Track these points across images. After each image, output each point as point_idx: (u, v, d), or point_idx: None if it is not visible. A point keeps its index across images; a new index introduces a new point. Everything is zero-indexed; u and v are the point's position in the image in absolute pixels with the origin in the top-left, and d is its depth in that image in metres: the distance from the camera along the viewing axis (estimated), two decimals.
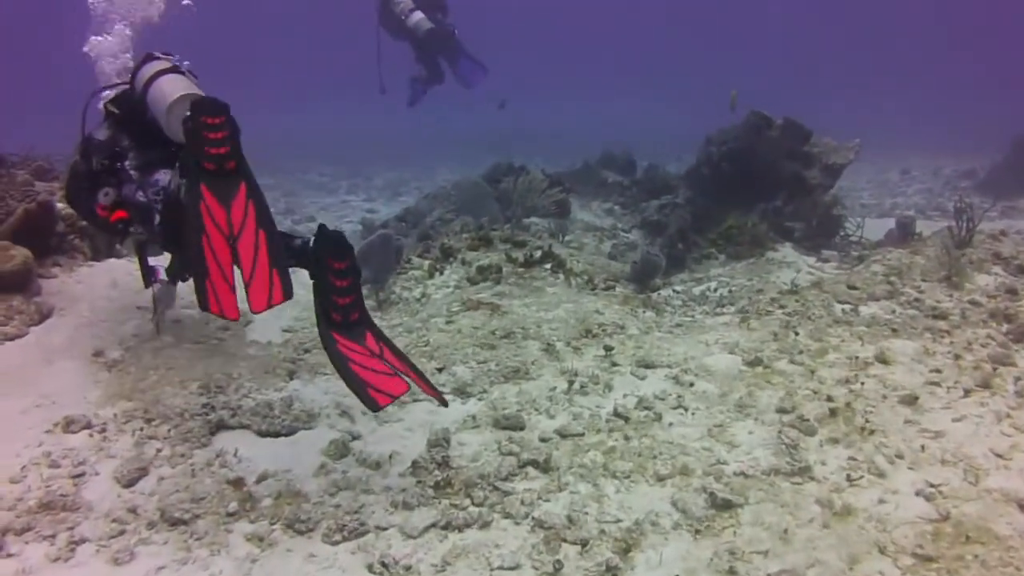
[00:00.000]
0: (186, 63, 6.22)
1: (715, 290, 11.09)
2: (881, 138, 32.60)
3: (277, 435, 6.23)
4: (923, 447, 6.12)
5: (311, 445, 6.05)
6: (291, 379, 7.18)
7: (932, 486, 5.78)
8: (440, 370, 7.34)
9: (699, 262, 13.32)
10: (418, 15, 15.71)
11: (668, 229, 14.37)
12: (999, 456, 6.05)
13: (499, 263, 10.35)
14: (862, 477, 5.90)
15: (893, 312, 9.15)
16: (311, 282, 5.28)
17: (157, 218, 5.81)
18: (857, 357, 7.61)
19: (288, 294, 4.89)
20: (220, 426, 6.19)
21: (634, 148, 20.83)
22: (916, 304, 9.30)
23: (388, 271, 10.90)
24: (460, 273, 10.40)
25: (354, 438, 6.23)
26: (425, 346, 7.82)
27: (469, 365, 7.44)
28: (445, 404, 5.74)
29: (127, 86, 6.30)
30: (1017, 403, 6.76)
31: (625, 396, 6.90)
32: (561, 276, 10.27)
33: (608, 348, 7.63)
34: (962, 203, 11.15)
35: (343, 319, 5.23)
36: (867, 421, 6.44)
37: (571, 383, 7.04)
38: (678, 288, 11.50)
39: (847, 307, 9.30)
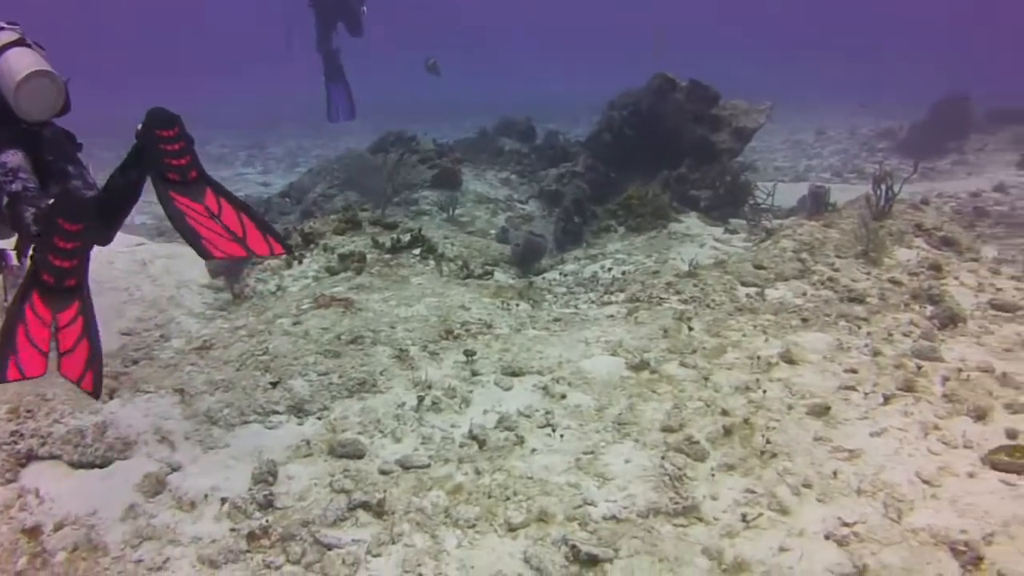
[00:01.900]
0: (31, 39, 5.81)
1: (608, 270, 10.07)
2: (796, 97, 32.05)
3: (92, 466, 5.56)
4: (835, 472, 5.12)
5: (124, 479, 5.37)
6: (111, 398, 6.26)
7: (846, 525, 4.76)
8: (274, 384, 6.56)
9: (597, 235, 12.32)
10: None
11: (564, 200, 13.15)
12: (926, 483, 5.07)
13: (364, 249, 9.14)
14: (760, 515, 4.87)
15: (804, 295, 8.33)
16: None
17: (4, 200, 5.34)
18: (759, 357, 6.65)
19: (287, 247, 5.36)
20: (30, 457, 5.56)
21: (554, 115, 19.82)
22: (830, 284, 8.50)
23: (243, 260, 9.65)
24: (321, 261, 9.36)
25: (173, 469, 5.53)
26: (263, 355, 6.87)
27: (308, 378, 6.55)
28: (290, 251, 5.75)
29: None
30: (946, 410, 5.80)
31: (485, 413, 6.14)
32: (431, 262, 9.14)
33: (469, 353, 6.80)
34: (882, 171, 10.14)
35: (181, 178, 4.96)
36: (768, 441, 5.41)
37: (421, 399, 6.20)
38: (568, 270, 10.43)
39: (752, 291, 8.43)
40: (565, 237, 12.45)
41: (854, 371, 6.48)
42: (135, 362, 7.22)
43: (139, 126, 4.99)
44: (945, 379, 6.31)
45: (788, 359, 6.62)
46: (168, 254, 9.63)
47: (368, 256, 9.37)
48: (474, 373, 6.69)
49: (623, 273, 9.79)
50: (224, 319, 8.16)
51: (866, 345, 6.93)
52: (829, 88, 39.40)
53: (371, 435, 5.94)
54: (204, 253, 4.85)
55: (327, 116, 16.83)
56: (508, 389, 6.50)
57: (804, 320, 7.40)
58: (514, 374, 6.70)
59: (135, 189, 5.19)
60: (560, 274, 9.93)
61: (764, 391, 6.10)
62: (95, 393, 4.83)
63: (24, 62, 5.36)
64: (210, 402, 6.32)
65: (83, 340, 4.88)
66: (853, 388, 6.22)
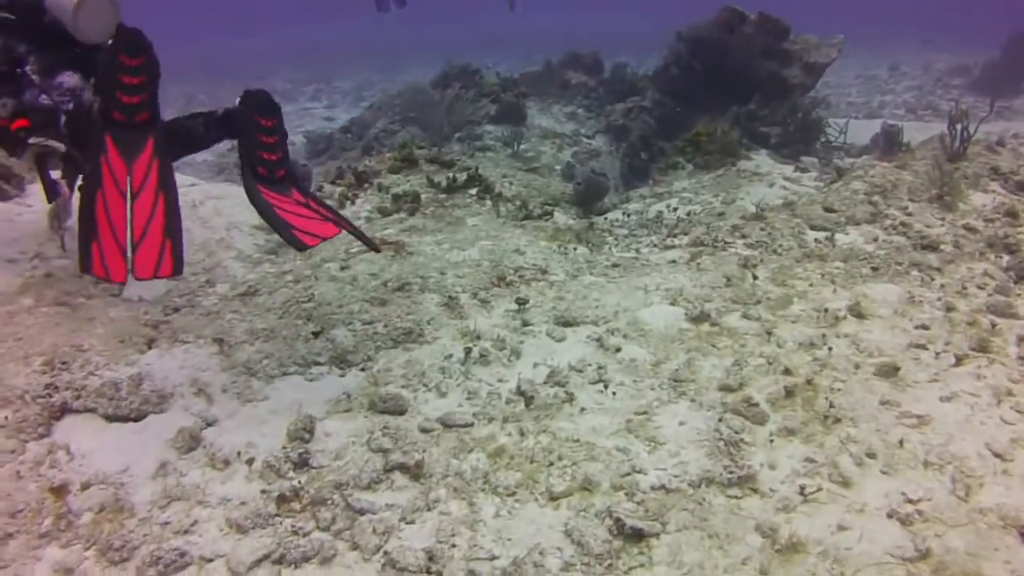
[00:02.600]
0: None
1: (674, 209, 9.69)
2: (869, 29, 31.20)
3: (127, 419, 5.34)
4: (901, 442, 4.74)
5: (158, 434, 5.15)
6: (148, 348, 6.05)
7: (910, 502, 4.42)
8: (316, 334, 6.17)
9: (665, 172, 12.00)
10: None
11: (630, 136, 12.75)
12: (998, 456, 4.70)
13: (419, 189, 8.84)
14: (820, 489, 4.51)
15: (875, 240, 7.88)
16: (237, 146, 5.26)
17: (63, 119, 5.50)
18: (826, 309, 6.27)
19: (178, 268, 4.68)
20: (64, 410, 5.30)
21: (626, 47, 19.30)
22: (902, 229, 8.05)
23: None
24: (375, 201, 9.03)
25: (208, 424, 5.29)
26: (307, 302, 6.63)
27: (352, 327, 6.26)
28: (377, 250, 5.95)
29: None
30: (1021, 373, 5.43)
31: (535, 366, 5.79)
32: (488, 203, 8.76)
33: (521, 301, 6.46)
34: (957, 110, 9.61)
35: (269, 173, 5.16)
36: (832, 404, 5.01)
37: (468, 350, 5.89)
38: (632, 209, 10.06)
39: (821, 235, 8.04)
40: (631, 173, 12.15)
41: (925, 327, 6.10)
42: (176, 310, 6.92)
43: (237, 100, 5.20)
44: (1021, 339, 5.91)
45: (857, 312, 6.24)
46: (219, 195, 9.34)
47: (422, 196, 9.03)
48: (525, 323, 6.35)
49: (688, 214, 9.41)
50: (271, 263, 7.90)
51: (939, 299, 6.53)
52: (896, 16, 38.22)
53: (415, 389, 5.66)
54: (298, 244, 4.95)
55: (376, 6, 16.86)
56: (561, 340, 6.18)
57: (875, 269, 7.01)
58: (567, 324, 6.38)
59: (205, 145, 5.58)
60: (623, 214, 9.56)
61: (830, 348, 5.74)
62: (177, 269, 4.72)
63: None
64: (250, 352, 6.09)
65: (158, 207, 4.73)
66: (924, 346, 5.84)
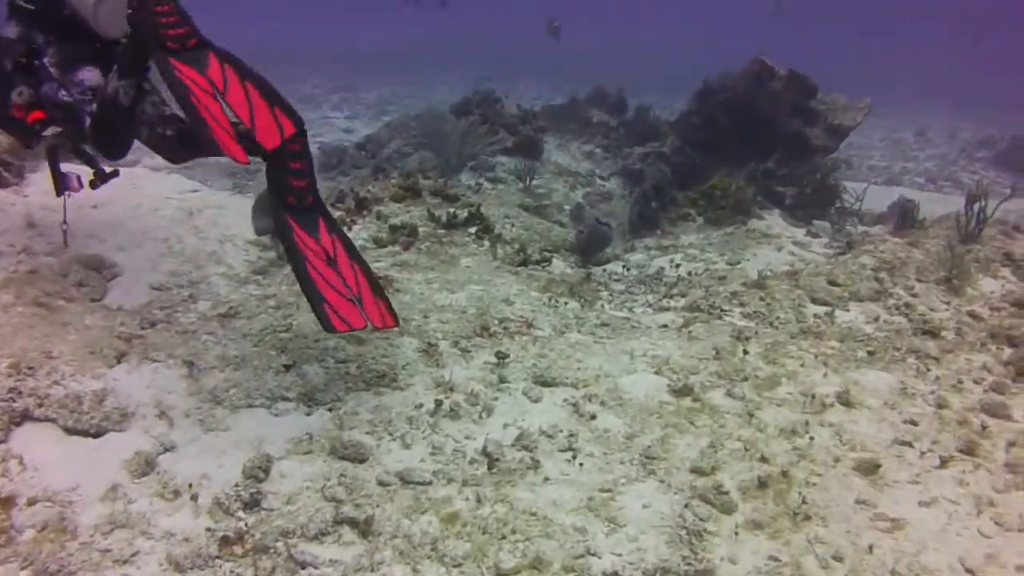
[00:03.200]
0: None
1: (676, 266, 9.46)
2: (901, 89, 30.98)
3: (86, 434, 5.24)
4: (872, 547, 4.50)
5: (115, 454, 5.02)
6: (118, 362, 5.94)
7: None
8: (288, 368, 6.01)
9: (675, 223, 11.87)
10: None
11: (643, 183, 12.55)
12: (969, 572, 4.52)
13: (418, 222, 8.64)
14: None
15: (876, 320, 7.70)
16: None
17: (87, 120, 5.51)
18: (814, 395, 6.04)
19: (299, 122, 5.09)
20: (25, 417, 5.21)
21: (657, 85, 19.13)
22: (905, 311, 7.87)
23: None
24: (372, 230, 8.81)
25: (166, 449, 5.17)
26: (285, 331, 6.48)
27: (326, 364, 6.10)
28: (398, 324, 5.73)
29: None
30: (1005, 483, 5.20)
31: (505, 427, 5.66)
32: (486, 243, 8.55)
33: (501, 356, 6.26)
34: (977, 189, 9.40)
35: (298, 202, 5.23)
36: (804, 500, 4.78)
37: (439, 403, 5.70)
38: (634, 260, 9.87)
39: (822, 310, 7.85)
40: (640, 221, 11.98)
41: (914, 423, 5.89)
42: (153, 324, 6.76)
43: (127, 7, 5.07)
44: (1011, 444, 5.67)
45: (845, 401, 6.05)
46: (219, 204, 9.21)
47: (421, 230, 8.83)
48: (502, 379, 6.19)
49: (689, 273, 9.21)
50: (257, 284, 7.76)
51: (932, 392, 6.32)
52: (930, 77, 38.06)
53: (379, 437, 5.49)
54: (327, 326, 5.01)
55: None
56: (536, 401, 5.99)
57: (871, 353, 6.81)
58: (546, 384, 6.18)
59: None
60: (623, 267, 9.36)
61: (812, 437, 5.54)
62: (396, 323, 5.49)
63: None
64: (218, 379, 5.92)
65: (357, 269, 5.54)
66: (909, 443, 5.64)
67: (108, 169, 6.11)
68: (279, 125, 4.99)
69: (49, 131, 5.81)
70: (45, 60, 5.64)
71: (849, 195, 12.79)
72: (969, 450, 5.55)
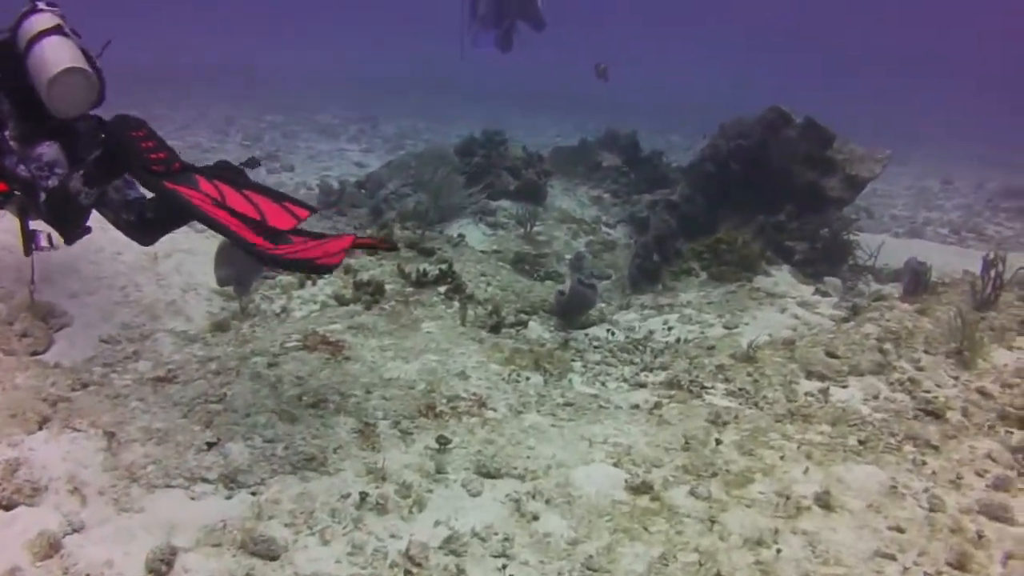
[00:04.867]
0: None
1: (669, 329, 8.84)
2: (930, 136, 30.42)
3: None
4: None
5: (21, 531, 4.62)
6: (39, 428, 5.60)
7: None
8: (211, 445, 5.64)
9: (677, 277, 11.30)
10: None
11: (646, 235, 11.96)
12: None
13: (386, 278, 8.11)
14: None
15: (876, 398, 7.07)
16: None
17: (43, 196, 5.57)
18: (788, 497, 5.32)
19: (311, 207, 5.35)
20: None
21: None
22: (909, 387, 7.23)
23: (254, 271, 8.66)
24: (338, 285, 8.26)
25: (74, 530, 4.73)
26: (216, 402, 6.07)
27: (252, 442, 5.65)
28: (313, 209, 5.68)
29: (6, 36, 5.82)
30: None
31: (436, 524, 5.10)
32: (456, 304, 7.93)
33: (443, 441, 5.71)
34: (995, 255, 8.75)
35: (166, 169, 5.10)
36: None
37: (364, 496, 5.20)
38: (624, 322, 9.27)
39: (816, 387, 7.25)
40: (640, 275, 11.35)
41: (900, 530, 5.23)
42: (85, 385, 6.35)
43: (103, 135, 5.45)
44: (1009, 557, 5.02)
45: (824, 503, 5.42)
46: (188, 248, 8.78)
47: (388, 287, 8.33)
48: (439, 469, 5.61)
49: (678, 341, 8.60)
50: (204, 343, 7.29)
51: (925, 491, 5.66)
52: (958, 124, 37.55)
53: (298, 530, 4.97)
54: (325, 268, 5.31)
55: (476, 44, 16.70)
56: (475, 495, 5.40)
57: (861, 443, 6.21)
58: (489, 475, 5.60)
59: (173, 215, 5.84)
60: (608, 331, 8.69)
61: (779, 550, 4.88)
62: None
63: (58, 56, 5.41)
64: (138, 454, 5.47)
65: (254, 196, 5.36)
66: (892, 556, 4.98)
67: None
68: (291, 213, 5.27)
69: (14, 199, 5.82)
70: (6, 133, 5.67)
71: (863, 251, 12.07)
72: (960, 564, 4.91)
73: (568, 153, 17.28)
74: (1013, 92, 50.02)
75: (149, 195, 5.90)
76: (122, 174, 5.53)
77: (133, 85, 30.51)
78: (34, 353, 6.78)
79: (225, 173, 5.37)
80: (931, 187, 24.88)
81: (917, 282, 9.73)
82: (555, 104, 36.82)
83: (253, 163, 13.40)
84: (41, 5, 5.80)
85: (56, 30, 5.58)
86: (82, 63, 5.50)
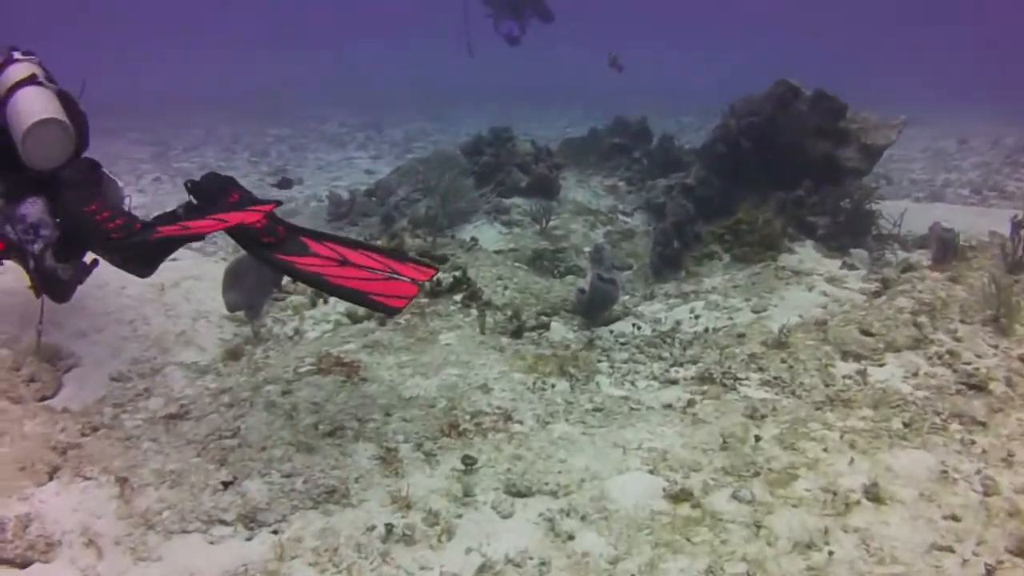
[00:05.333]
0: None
1: (696, 318, 8.60)
2: (942, 95, 30.06)
3: (11, 564, 4.62)
4: None
5: None
6: (49, 479, 5.38)
7: None
8: (227, 485, 5.37)
9: (699, 261, 11.07)
10: None
11: (664, 221, 11.66)
12: None
13: None
14: None
15: (915, 375, 6.77)
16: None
17: (31, 262, 5.57)
18: (835, 493, 5.03)
19: (434, 265, 5.61)
20: None
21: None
22: (948, 360, 6.94)
23: (264, 293, 8.37)
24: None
25: None
26: (231, 437, 5.83)
27: (270, 478, 5.38)
28: (436, 269, 5.78)
29: None
30: None
31: (467, 552, 4.79)
32: (473, 312, 7.66)
33: (469, 461, 5.45)
34: (1023, 216, 8.45)
35: (274, 239, 5.18)
36: None
37: (390, 527, 4.91)
38: (649, 314, 9.01)
39: (853, 368, 6.95)
40: (662, 263, 11.06)
41: (956, 519, 4.94)
42: (95, 429, 6.10)
43: (189, 195, 5.43)
44: None
45: (874, 496, 5.13)
46: (197, 275, 8.55)
47: None
48: (467, 492, 5.31)
49: (706, 330, 8.37)
50: (216, 374, 7.09)
51: (977, 472, 5.37)
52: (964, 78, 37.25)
53: (323, 569, 4.68)
54: (390, 311, 5.17)
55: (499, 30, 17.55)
56: (506, 517, 5.12)
57: (906, 425, 5.92)
58: (520, 494, 5.30)
59: (178, 244, 5.86)
60: (634, 325, 8.37)
61: (831, 552, 4.57)
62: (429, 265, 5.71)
63: (34, 108, 5.38)
64: (152, 499, 5.22)
65: (366, 254, 5.55)
66: (950, 548, 4.69)
67: (88, 260, 6.08)
68: (417, 271, 5.51)
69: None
70: None
71: (887, 219, 11.72)
72: (1021, 551, 4.62)
73: (579, 144, 17.10)
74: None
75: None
76: (88, 249, 5.56)
77: (142, 111, 30.60)
78: (43, 398, 6.58)
79: (323, 232, 5.57)
80: (947, 148, 24.51)
81: (945, 249, 9.43)
82: (563, 96, 36.60)
83: (287, 184, 13.30)
84: (16, 55, 5.81)
85: (30, 80, 5.57)
86: (55, 113, 5.45)
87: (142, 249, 5.52)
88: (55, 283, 5.71)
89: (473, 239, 11.46)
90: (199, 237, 5.37)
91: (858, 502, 5.10)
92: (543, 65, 40.11)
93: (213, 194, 5.38)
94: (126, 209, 6.22)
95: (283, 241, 5.24)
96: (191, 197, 5.54)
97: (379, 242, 9.37)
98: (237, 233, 5.22)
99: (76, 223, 5.29)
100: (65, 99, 5.74)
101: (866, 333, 7.40)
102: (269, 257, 5.19)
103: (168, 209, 5.82)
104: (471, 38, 17.89)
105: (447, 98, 37.67)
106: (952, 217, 11.57)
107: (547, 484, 5.37)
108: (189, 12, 71.03)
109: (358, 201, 15.19)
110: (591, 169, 16.05)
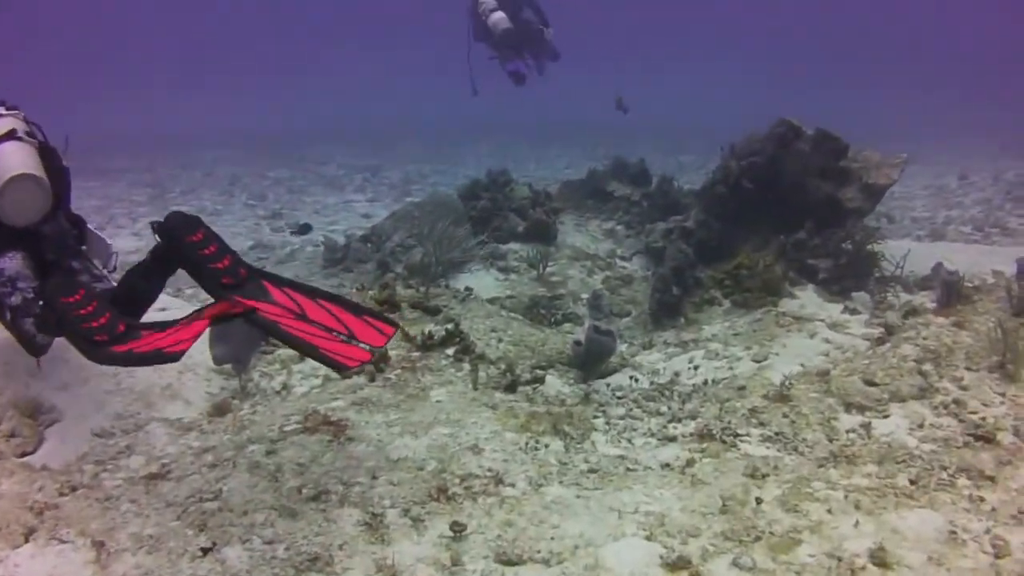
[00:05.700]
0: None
1: (695, 368, 8.38)
2: (943, 132, 30.08)
3: None
4: None
5: None
6: (25, 542, 5.22)
7: None
8: (205, 552, 5.13)
9: (700, 308, 10.91)
10: (498, 15, 15.92)
11: (663, 267, 11.48)
12: None
13: (390, 344, 7.59)
14: None
15: (921, 426, 6.57)
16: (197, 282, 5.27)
17: (7, 315, 5.64)
18: (840, 559, 4.87)
19: (395, 323, 5.27)
20: None
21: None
22: (954, 410, 6.72)
23: (252, 346, 8.21)
24: None
25: None
26: (212, 499, 5.66)
27: (251, 545, 5.20)
28: (396, 327, 5.50)
29: None
30: None
31: None
32: (466, 366, 7.43)
33: (457, 528, 5.11)
34: None
35: (234, 280, 5.05)
36: None
37: None
38: (648, 364, 8.81)
39: (857, 422, 6.75)
40: (661, 310, 10.88)
41: None
42: (74, 488, 5.91)
43: (155, 236, 5.15)
44: None
45: (880, 561, 4.87)
46: None
47: (392, 353, 7.91)
48: (455, 561, 5.04)
49: (705, 383, 8.17)
50: (200, 431, 6.89)
51: (987, 532, 5.13)
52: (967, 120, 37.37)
53: None
54: (339, 369, 4.88)
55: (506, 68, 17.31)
56: None
57: (912, 482, 5.71)
58: (510, 563, 5.02)
59: (157, 292, 5.41)
60: (631, 378, 8.12)
61: None
62: (393, 325, 5.36)
63: (10, 163, 5.39)
64: (129, 565, 5.00)
65: (328, 306, 5.19)
66: None
67: None
68: (378, 330, 5.28)
69: None
70: None
71: (889, 261, 11.52)
72: None
73: (577, 186, 16.99)
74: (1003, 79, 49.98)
75: (114, 284, 5.87)
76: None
77: (143, 152, 30.60)
78: (23, 454, 6.47)
79: (285, 279, 5.38)
80: (948, 184, 24.44)
81: (950, 293, 9.23)
82: (564, 134, 36.69)
83: (305, 229, 13.20)
84: (0, 110, 5.86)
85: (9, 136, 5.57)
86: (32, 169, 5.48)
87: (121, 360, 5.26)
88: (31, 343, 5.74)
89: (467, 288, 11.26)
90: (174, 357, 5.00)
91: (864, 567, 4.85)
92: (546, 100, 40.32)
93: (179, 232, 5.15)
94: (112, 265, 6.40)
95: (244, 283, 5.09)
96: (156, 236, 5.33)
97: (371, 292, 9.09)
98: (194, 269, 5.12)
99: (58, 318, 5.08)
100: (46, 154, 5.77)
101: (870, 383, 7.21)
102: (231, 298, 5.03)
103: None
104: (474, 76, 17.73)
105: (449, 136, 37.68)
106: (955, 256, 11.49)
107: (539, 552, 5.12)
108: (195, 51, 71.67)
109: (353, 247, 15.05)
110: (589, 212, 15.96)
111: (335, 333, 5.09)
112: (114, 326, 5.00)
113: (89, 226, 6.47)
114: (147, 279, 5.33)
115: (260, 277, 5.33)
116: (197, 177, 28.26)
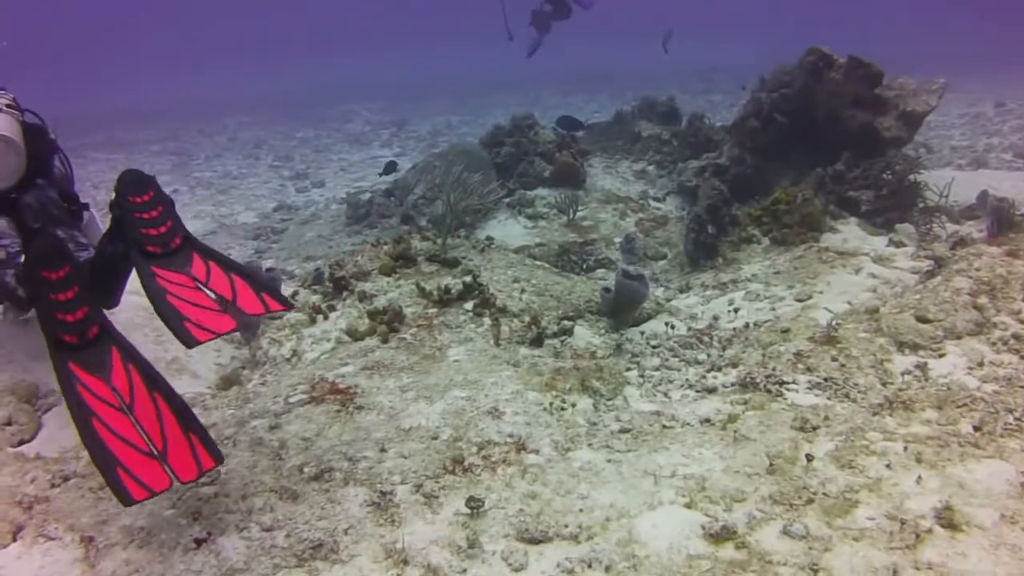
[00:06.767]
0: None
1: (735, 310, 7.91)
2: (977, 59, 29.42)
3: None
4: None
5: None
6: (13, 539, 4.82)
7: None
8: (199, 543, 4.65)
9: (737, 247, 10.42)
10: None
11: (697, 206, 10.96)
12: None
13: (406, 300, 7.11)
14: None
15: (980, 366, 5.99)
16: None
17: None
18: (903, 521, 4.30)
19: (218, 457, 4.56)
20: None
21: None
22: (1015, 347, 6.15)
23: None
24: (352, 316, 7.37)
25: None
26: (209, 483, 5.15)
27: (248, 533, 4.72)
28: (291, 307, 5.38)
29: None
30: None
31: None
32: (486, 321, 6.92)
33: (474, 504, 4.60)
34: None
35: (163, 248, 4.74)
36: None
37: None
38: (685, 307, 8.41)
39: (911, 362, 6.20)
40: (697, 250, 10.40)
41: None
42: (67, 479, 5.48)
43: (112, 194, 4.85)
44: None
45: (948, 521, 4.29)
46: None
47: (408, 310, 7.45)
48: (471, 543, 4.50)
49: (747, 326, 7.69)
50: (202, 407, 6.45)
51: None
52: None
53: None
54: (188, 339, 4.39)
55: (527, 53, 18.60)
56: (519, 570, 4.31)
57: (977, 429, 5.14)
58: (534, 540, 4.49)
59: (125, 258, 4.92)
60: (667, 324, 7.66)
61: None
62: (218, 459, 4.60)
63: None
64: (119, 561, 4.58)
65: (161, 407, 4.53)
66: None
67: None
68: (197, 459, 4.60)
69: None
70: None
71: (933, 190, 10.93)
72: None
73: (605, 128, 16.61)
74: None
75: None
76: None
77: (170, 120, 30.37)
78: (20, 443, 6.10)
79: (218, 254, 5.02)
80: (985, 112, 23.74)
81: (1000, 222, 8.63)
82: (592, 84, 36.09)
83: (391, 167, 12.91)
84: None
85: None
86: (8, 132, 5.52)
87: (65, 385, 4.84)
88: (13, 297, 5.92)
89: (489, 238, 10.75)
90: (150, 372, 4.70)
91: (930, 530, 4.27)
92: (574, 51, 39.95)
93: (124, 189, 4.86)
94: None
95: (171, 254, 4.77)
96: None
97: (385, 247, 8.57)
98: (126, 228, 4.79)
99: (33, 292, 4.93)
100: (31, 129, 5.87)
101: (923, 320, 6.67)
102: (141, 267, 4.71)
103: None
104: (507, 22, 18.17)
105: (477, 88, 37.34)
106: (998, 184, 11.21)
107: (566, 527, 4.57)
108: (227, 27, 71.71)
109: (377, 202, 14.61)
110: (619, 154, 15.41)
111: (221, 300, 4.78)
112: (87, 327, 4.69)
113: (94, 213, 6.47)
114: (113, 243, 5.02)
115: (192, 248, 4.98)
116: (222, 142, 27.99)
